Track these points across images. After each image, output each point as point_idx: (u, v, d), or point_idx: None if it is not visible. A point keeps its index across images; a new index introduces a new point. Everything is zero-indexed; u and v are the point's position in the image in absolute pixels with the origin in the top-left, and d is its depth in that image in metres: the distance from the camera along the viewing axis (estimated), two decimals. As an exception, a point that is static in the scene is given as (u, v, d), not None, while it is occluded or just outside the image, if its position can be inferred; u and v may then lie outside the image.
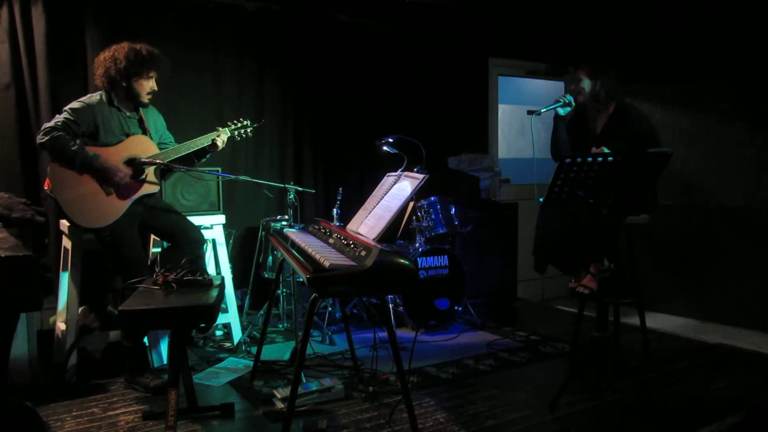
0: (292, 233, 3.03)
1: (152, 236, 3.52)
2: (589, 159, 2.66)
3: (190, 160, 3.40)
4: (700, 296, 4.66)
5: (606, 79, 3.46)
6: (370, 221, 2.78)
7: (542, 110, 3.47)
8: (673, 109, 4.78)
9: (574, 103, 3.49)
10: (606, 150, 3.30)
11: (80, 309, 3.34)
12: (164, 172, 3.43)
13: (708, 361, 3.57)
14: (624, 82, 3.68)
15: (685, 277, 4.77)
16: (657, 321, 4.47)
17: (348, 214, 3.50)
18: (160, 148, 3.27)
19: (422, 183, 2.64)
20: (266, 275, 4.14)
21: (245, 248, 4.49)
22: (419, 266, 4.09)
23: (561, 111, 3.49)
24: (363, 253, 2.28)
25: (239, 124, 3.52)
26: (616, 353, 3.09)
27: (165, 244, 3.39)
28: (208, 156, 3.46)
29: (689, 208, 4.73)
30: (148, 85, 3.17)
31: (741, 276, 4.44)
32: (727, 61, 4.51)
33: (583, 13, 5.30)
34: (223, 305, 3.72)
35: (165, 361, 3.43)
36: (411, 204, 4.24)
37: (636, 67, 4.88)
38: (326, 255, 2.35)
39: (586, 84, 3.49)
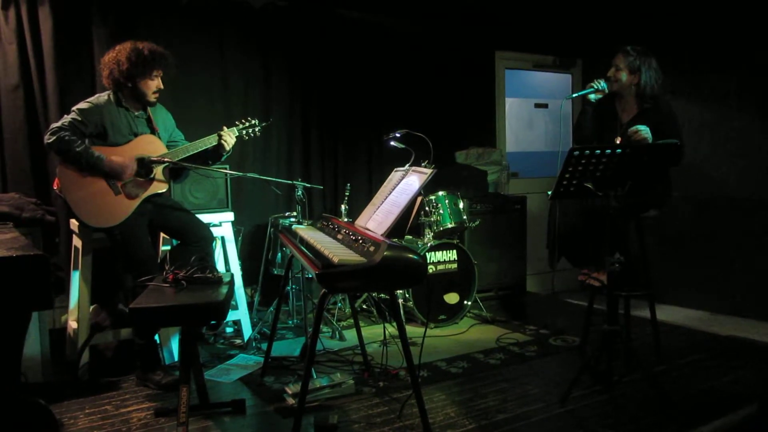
0: (301, 229, 3.03)
1: (162, 234, 3.53)
2: (597, 151, 2.64)
3: (204, 161, 3.39)
4: (710, 288, 4.63)
5: (649, 70, 3.30)
6: (378, 217, 2.77)
7: (574, 95, 3.43)
8: (682, 99, 4.74)
9: (607, 90, 3.40)
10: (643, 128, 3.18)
11: (91, 307, 3.36)
12: (175, 174, 3.43)
13: (719, 354, 3.55)
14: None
15: (695, 269, 4.74)
16: (668, 313, 4.45)
17: (356, 209, 3.50)
18: (170, 147, 3.28)
19: (430, 178, 2.64)
20: (275, 272, 4.15)
21: (254, 245, 4.50)
22: (428, 261, 4.08)
23: (592, 97, 3.42)
24: (372, 248, 2.28)
25: (247, 124, 3.50)
26: (627, 346, 3.08)
27: (174, 241, 3.40)
28: (224, 157, 3.43)
29: (699, 200, 4.70)
30: (153, 85, 3.17)
31: (752, 267, 4.40)
32: (736, 51, 4.47)
33: (591, 5, 5.26)
34: (233, 302, 3.73)
35: (176, 358, 3.45)
36: (419, 199, 4.24)
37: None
38: (335, 251, 2.35)
39: (623, 76, 3.36)
